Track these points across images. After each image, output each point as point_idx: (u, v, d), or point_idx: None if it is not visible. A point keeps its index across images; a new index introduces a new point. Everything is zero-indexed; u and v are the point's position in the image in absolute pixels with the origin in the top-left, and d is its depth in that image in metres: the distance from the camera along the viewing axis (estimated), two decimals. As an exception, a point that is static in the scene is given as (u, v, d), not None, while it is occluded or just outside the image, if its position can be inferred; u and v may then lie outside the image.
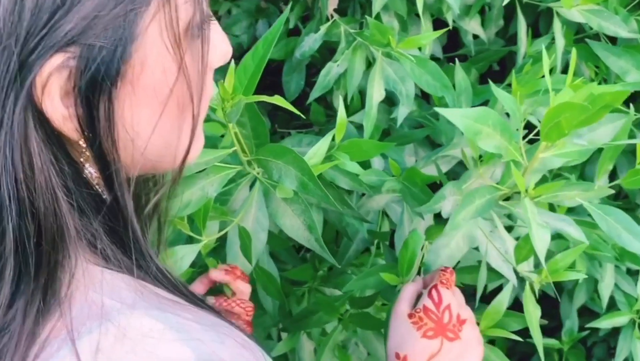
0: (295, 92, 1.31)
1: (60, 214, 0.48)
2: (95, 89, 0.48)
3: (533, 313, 0.85)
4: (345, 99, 1.19)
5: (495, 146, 0.69)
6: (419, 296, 0.82)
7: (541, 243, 0.72)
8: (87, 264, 0.51)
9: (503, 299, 0.88)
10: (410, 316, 0.78)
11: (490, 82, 0.79)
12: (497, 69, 1.45)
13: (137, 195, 0.61)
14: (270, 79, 1.37)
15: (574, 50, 0.77)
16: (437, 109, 0.67)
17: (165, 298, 0.52)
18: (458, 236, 0.90)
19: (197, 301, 0.55)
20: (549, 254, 0.80)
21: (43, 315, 0.48)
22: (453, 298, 0.79)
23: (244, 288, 0.90)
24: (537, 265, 0.92)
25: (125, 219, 0.53)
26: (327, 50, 1.30)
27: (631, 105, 0.96)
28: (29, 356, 0.47)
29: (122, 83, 0.49)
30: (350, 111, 1.21)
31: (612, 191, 0.82)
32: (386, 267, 0.91)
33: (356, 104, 1.25)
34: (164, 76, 0.51)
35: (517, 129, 0.73)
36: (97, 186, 0.52)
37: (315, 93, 1.09)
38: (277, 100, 0.74)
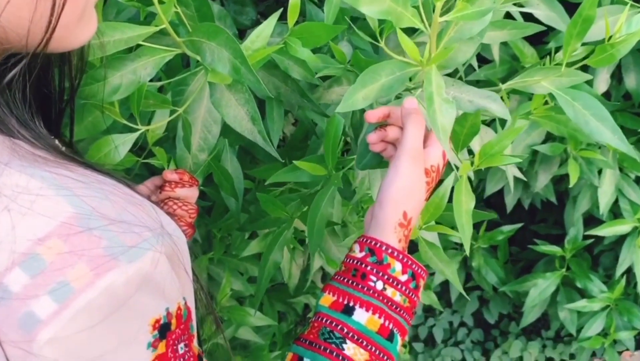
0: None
1: None
2: None
3: (464, 204, 0.76)
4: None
5: (382, 11, 0.60)
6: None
7: (444, 118, 0.64)
8: None
9: (444, 193, 0.82)
10: (427, 173, 0.73)
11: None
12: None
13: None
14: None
15: None
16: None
17: (44, 157, 0.50)
18: None
19: (82, 161, 0.52)
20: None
21: None
22: None
23: (189, 193, 0.86)
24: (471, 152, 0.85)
25: None
26: None
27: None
28: None
29: None
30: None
31: (585, 75, 0.72)
32: (315, 158, 0.85)
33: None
34: None
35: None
36: None
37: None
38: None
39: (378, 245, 0.72)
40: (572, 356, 2.40)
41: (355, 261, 0.72)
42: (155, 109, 0.81)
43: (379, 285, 0.71)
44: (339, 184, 0.82)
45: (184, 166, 0.87)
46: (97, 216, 0.45)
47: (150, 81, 0.98)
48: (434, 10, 0.59)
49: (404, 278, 0.72)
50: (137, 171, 1.03)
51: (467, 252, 0.78)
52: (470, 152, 0.98)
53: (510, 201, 1.83)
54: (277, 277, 1.59)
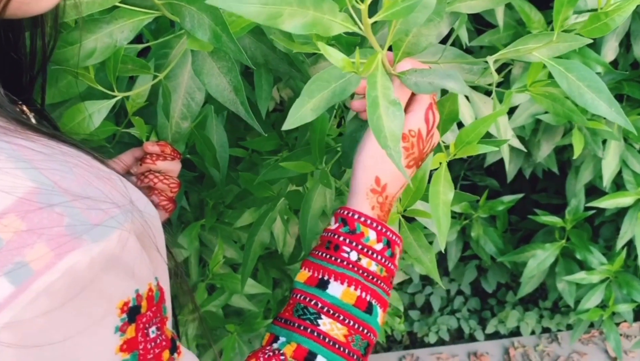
0: None
1: None
2: None
3: (442, 195, 0.71)
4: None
5: (306, 24, 0.54)
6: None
7: (392, 123, 0.58)
8: None
9: (423, 176, 0.77)
10: (405, 138, 0.69)
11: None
12: None
13: None
14: None
15: None
16: (207, 2, 0.53)
17: (4, 127, 0.47)
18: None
19: (46, 131, 0.49)
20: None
21: None
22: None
23: (170, 167, 0.83)
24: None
25: None
26: None
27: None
28: None
29: None
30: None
31: (583, 39, 0.67)
32: (302, 152, 0.81)
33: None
34: None
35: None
36: None
37: None
38: None
39: (350, 214, 0.69)
40: (569, 327, 2.38)
41: (330, 233, 0.69)
42: (135, 74, 0.77)
43: (353, 256, 0.67)
44: (329, 186, 0.78)
45: (165, 135, 0.83)
46: (59, 191, 0.42)
47: (139, 42, 0.93)
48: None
49: (379, 246, 0.68)
50: (126, 139, 0.99)
51: (442, 248, 0.74)
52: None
53: (511, 171, 1.79)
54: (272, 244, 1.56)
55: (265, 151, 1.13)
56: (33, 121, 0.59)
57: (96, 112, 0.74)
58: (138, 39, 1.00)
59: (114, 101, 0.75)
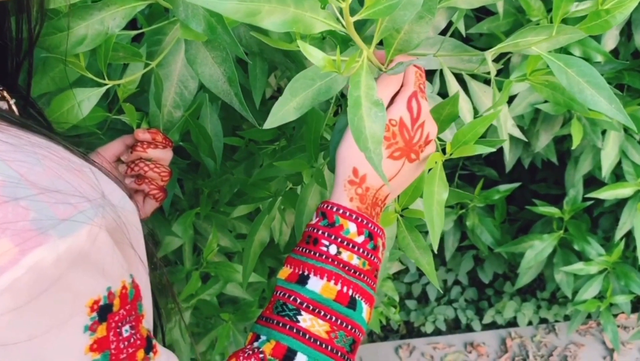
0: None
1: None
2: None
3: (436, 195, 0.69)
4: None
5: (286, 21, 0.52)
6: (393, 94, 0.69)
7: (374, 124, 0.56)
8: None
9: (422, 176, 0.75)
10: (385, 127, 0.67)
11: None
12: None
13: None
14: None
15: None
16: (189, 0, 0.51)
17: None
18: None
19: (16, 120, 0.48)
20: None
21: None
22: (428, 112, 0.69)
23: (162, 155, 0.81)
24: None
25: None
26: None
27: None
28: None
29: None
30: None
31: (582, 33, 0.65)
32: (296, 149, 0.79)
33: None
34: None
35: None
36: None
37: None
38: None
39: (329, 207, 0.67)
40: (566, 317, 2.38)
41: (310, 228, 0.67)
42: (126, 62, 0.75)
43: (332, 249, 0.65)
44: (324, 185, 0.77)
45: (156, 124, 0.81)
46: (26, 184, 0.41)
47: (132, 28, 0.92)
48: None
49: (360, 239, 0.66)
50: (119, 126, 0.97)
51: (435, 248, 0.71)
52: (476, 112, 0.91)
53: (510, 160, 1.78)
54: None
55: (262, 140, 1.11)
56: (14, 107, 0.57)
57: (85, 100, 0.72)
58: (132, 24, 0.98)
59: (104, 89, 0.73)
